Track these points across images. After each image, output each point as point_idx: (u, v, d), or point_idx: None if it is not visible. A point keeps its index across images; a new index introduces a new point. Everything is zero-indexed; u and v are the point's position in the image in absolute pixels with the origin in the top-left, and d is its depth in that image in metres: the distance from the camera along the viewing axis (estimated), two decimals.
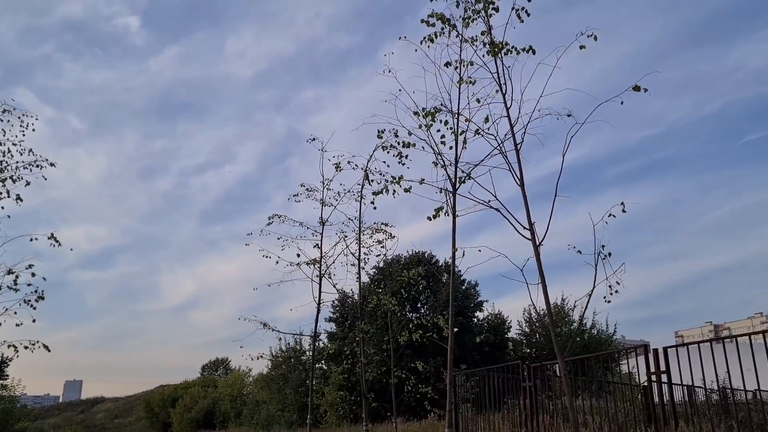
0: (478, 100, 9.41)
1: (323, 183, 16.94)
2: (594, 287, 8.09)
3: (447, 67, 9.56)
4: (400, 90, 11.21)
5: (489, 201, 8.88)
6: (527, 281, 8.38)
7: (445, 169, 10.92)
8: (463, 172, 10.44)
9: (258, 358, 16.91)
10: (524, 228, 8.31)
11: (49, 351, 12.89)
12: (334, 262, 16.21)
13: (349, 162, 14.88)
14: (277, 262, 16.20)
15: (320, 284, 16.32)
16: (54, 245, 13.93)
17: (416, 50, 10.74)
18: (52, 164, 12.38)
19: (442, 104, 9.82)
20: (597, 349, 33.49)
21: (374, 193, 10.84)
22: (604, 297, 8.56)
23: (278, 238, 16.86)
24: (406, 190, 10.12)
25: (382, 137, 14.17)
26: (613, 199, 8.74)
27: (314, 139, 16.83)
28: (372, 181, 14.55)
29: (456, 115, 9.88)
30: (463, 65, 9.48)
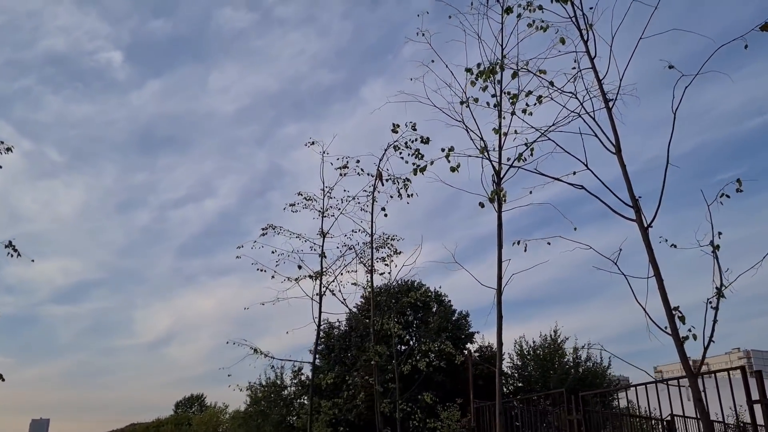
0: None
1: (324, 190, 14.78)
2: (722, 286, 5.96)
3: (508, 13, 7.52)
4: (433, 60, 9.18)
5: (571, 174, 6.75)
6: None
7: (487, 155, 8.85)
8: (507, 162, 8.37)
9: (248, 389, 14.46)
10: (627, 206, 6.21)
11: (3, 380, 11.38)
12: (335, 279, 13.95)
13: (358, 162, 12.75)
14: (273, 277, 13.93)
15: (320, 303, 14.05)
16: (12, 255, 12.10)
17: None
18: (9, 149, 10.07)
19: (499, 58, 7.75)
20: (593, 383, 31.47)
21: (416, 170, 8.50)
22: (709, 300, 6.42)
23: (273, 252, 14.61)
24: (453, 169, 7.92)
25: (397, 131, 12.19)
26: (592, 236, 7.09)
27: (314, 143, 14.72)
28: (387, 180, 12.43)
29: (517, 70, 7.78)
30: (529, 7, 7.43)
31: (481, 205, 7.96)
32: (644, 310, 5.90)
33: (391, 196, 12.91)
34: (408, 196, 12.86)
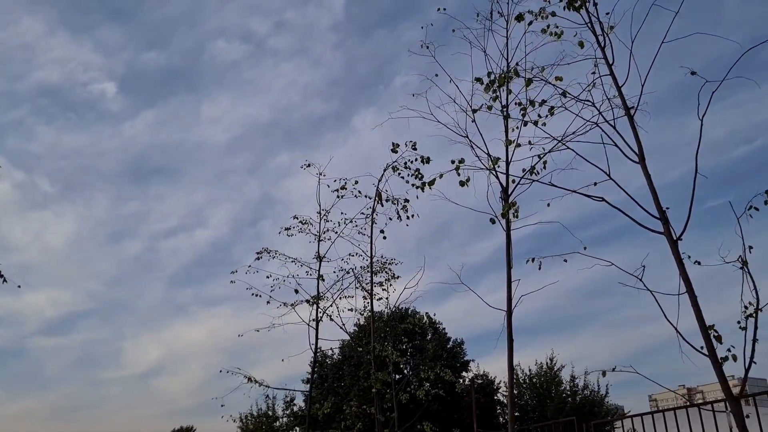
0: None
1: (320, 213, 14.32)
2: (758, 303, 5.51)
3: (519, 21, 7.17)
4: (437, 75, 8.83)
5: (590, 186, 6.33)
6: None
7: (495, 169, 8.45)
8: (518, 175, 7.96)
9: (240, 420, 13.80)
10: (654, 218, 5.79)
11: None
12: (333, 304, 13.42)
13: (356, 182, 12.29)
14: (268, 302, 13.41)
15: (317, 329, 13.50)
16: None
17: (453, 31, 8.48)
18: None
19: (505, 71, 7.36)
20: (591, 411, 30.81)
21: (424, 185, 8.00)
22: (747, 316, 5.99)
23: (267, 277, 14.10)
24: (463, 184, 7.46)
25: (397, 151, 11.81)
26: (581, 263, 6.91)
27: (309, 165, 14.31)
28: (387, 200, 11.99)
29: (527, 81, 7.40)
30: (542, 14, 7.07)
31: (492, 221, 7.53)
32: (676, 329, 5.44)
33: (390, 218, 12.49)
34: (408, 217, 12.44)
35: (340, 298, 13.55)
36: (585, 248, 7.23)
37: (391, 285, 13.79)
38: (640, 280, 5.82)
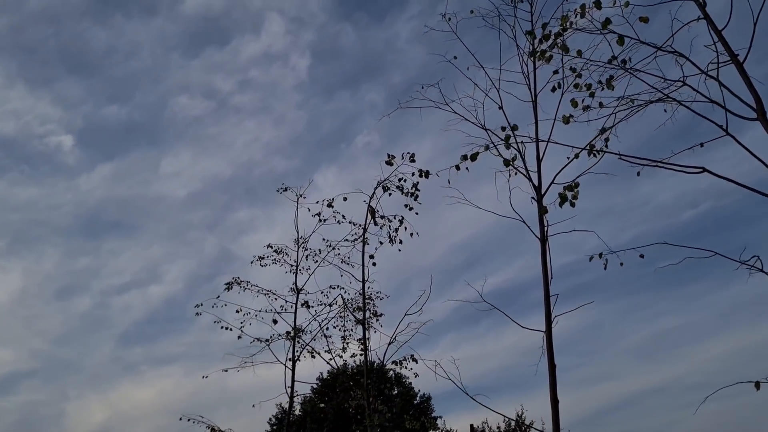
0: None
1: (298, 241, 12.72)
2: None
3: None
4: (455, 57, 7.55)
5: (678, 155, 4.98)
6: None
7: (525, 168, 7.11)
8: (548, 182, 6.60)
9: None
10: None
11: None
12: (314, 339, 11.68)
13: (345, 199, 10.73)
14: (240, 337, 11.61)
15: (293, 369, 11.71)
16: None
17: None
18: None
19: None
20: None
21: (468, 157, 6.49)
22: None
23: (237, 311, 12.31)
24: (473, 158, 5.95)
25: (392, 164, 10.43)
26: (539, 320, 6.23)
27: (286, 189, 12.81)
28: (382, 217, 10.47)
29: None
30: None
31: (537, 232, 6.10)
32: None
33: (381, 242, 10.96)
34: (399, 242, 10.92)
35: (321, 335, 11.81)
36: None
37: (375, 323, 12.07)
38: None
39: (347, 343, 11.72)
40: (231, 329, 11.64)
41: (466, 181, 7.96)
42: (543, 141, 6.24)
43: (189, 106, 48.87)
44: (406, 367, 12.14)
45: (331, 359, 11.57)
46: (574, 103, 5.64)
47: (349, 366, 31.43)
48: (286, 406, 31.15)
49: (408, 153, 10.28)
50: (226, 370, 11.37)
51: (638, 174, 5.36)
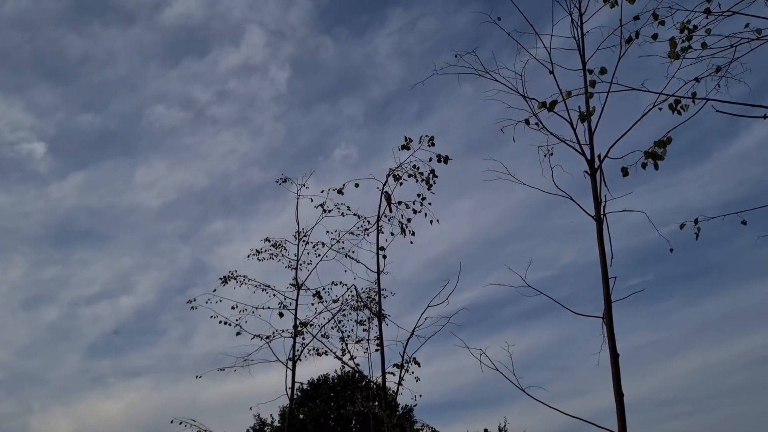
0: None
1: (297, 235, 11.86)
2: None
3: None
4: (499, 18, 6.86)
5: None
6: None
7: (576, 140, 6.42)
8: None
9: None
10: None
11: None
12: (323, 334, 10.80)
13: (357, 185, 9.88)
14: (239, 333, 10.67)
15: (294, 369, 10.81)
16: None
17: None
18: None
19: None
20: None
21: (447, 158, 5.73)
22: None
23: (233, 308, 11.38)
24: (548, 105, 5.20)
25: (409, 147, 9.69)
26: (515, 335, 5.86)
27: (285, 180, 11.95)
28: (400, 203, 9.68)
29: None
30: None
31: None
32: None
33: (393, 234, 10.14)
34: (411, 234, 10.12)
35: (334, 328, 10.92)
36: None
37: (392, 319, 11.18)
38: None
39: (358, 340, 10.84)
40: (229, 324, 10.72)
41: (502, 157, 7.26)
42: (620, 86, 5.51)
43: (165, 116, 47.52)
44: (408, 371, 11.28)
45: (344, 355, 10.63)
46: (674, 44, 4.93)
47: (331, 376, 30.58)
48: (265, 416, 30.01)
49: (426, 136, 9.57)
50: (223, 369, 10.43)
51: (765, 117, 4.66)
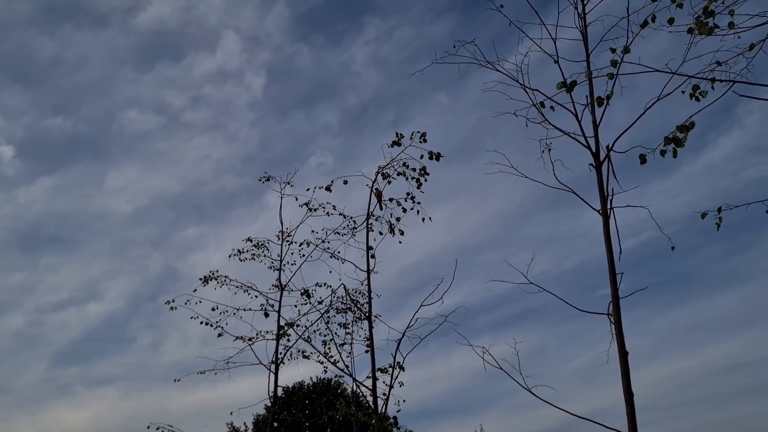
0: None
1: (281, 235, 11.48)
2: None
3: None
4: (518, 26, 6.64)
5: None
6: None
7: (582, 133, 6.20)
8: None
9: None
10: None
11: None
12: (310, 335, 10.43)
13: (345, 182, 9.56)
14: (220, 335, 10.24)
15: (276, 373, 10.41)
16: None
17: None
18: None
19: None
20: None
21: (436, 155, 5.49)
22: None
23: (213, 309, 10.94)
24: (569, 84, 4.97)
25: (400, 143, 9.43)
26: (486, 344, 6.71)
27: (269, 179, 11.59)
28: (392, 200, 9.37)
29: None
30: None
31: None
32: None
33: (381, 233, 9.82)
34: (401, 233, 9.82)
35: (311, 335, 10.54)
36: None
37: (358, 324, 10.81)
38: None
39: (342, 344, 10.46)
40: (210, 325, 10.27)
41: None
42: (644, 66, 5.27)
43: (138, 121, 46.53)
44: (391, 375, 10.92)
45: (330, 358, 10.25)
46: (700, 23, 4.70)
47: (306, 384, 30.00)
48: (238, 425, 29.29)
49: (418, 132, 9.30)
50: (203, 372, 9.97)
51: None
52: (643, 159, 5.17)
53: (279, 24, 50.46)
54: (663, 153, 5.07)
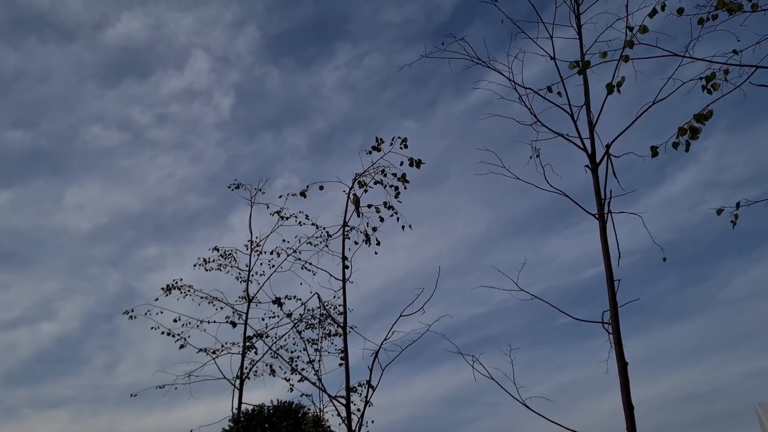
0: None
1: (250, 245, 10.95)
2: None
3: None
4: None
5: None
6: None
7: (578, 134, 5.92)
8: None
9: None
10: None
11: None
12: (269, 349, 9.83)
13: (321, 188, 9.08)
14: (183, 347, 9.59)
15: (241, 388, 9.79)
16: None
17: None
18: None
19: None
20: None
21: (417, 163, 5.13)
22: None
23: (175, 320, 10.30)
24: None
25: (380, 149, 9.05)
26: (448, 371, 5.89)
27: (239, 187, 11.12)
28: (370, 206, 8.92)
29: None
30: None
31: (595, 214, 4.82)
32: None
33: (356, 242, 9.36)
34: (377, 243, 9.38)
35: (279, 349, 9.97)
36: None
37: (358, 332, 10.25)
38: None
39: (310, 360, 9.89)
40: (173, 335, 9.61)
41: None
42: (661, 49, 4.98)
43: (101, 137, 45.28)
44: (367, 389, 10.35)
45: (301, 371, 9.66)
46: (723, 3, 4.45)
47: (265, 408, 28.99)
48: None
49: (399, 137, 8.93)
50: (162, 387, 9.29)
51: None
52: (654, 152, 4.89)
53: (249, 45, 50.11)
54: (675, 145, 4.79)
